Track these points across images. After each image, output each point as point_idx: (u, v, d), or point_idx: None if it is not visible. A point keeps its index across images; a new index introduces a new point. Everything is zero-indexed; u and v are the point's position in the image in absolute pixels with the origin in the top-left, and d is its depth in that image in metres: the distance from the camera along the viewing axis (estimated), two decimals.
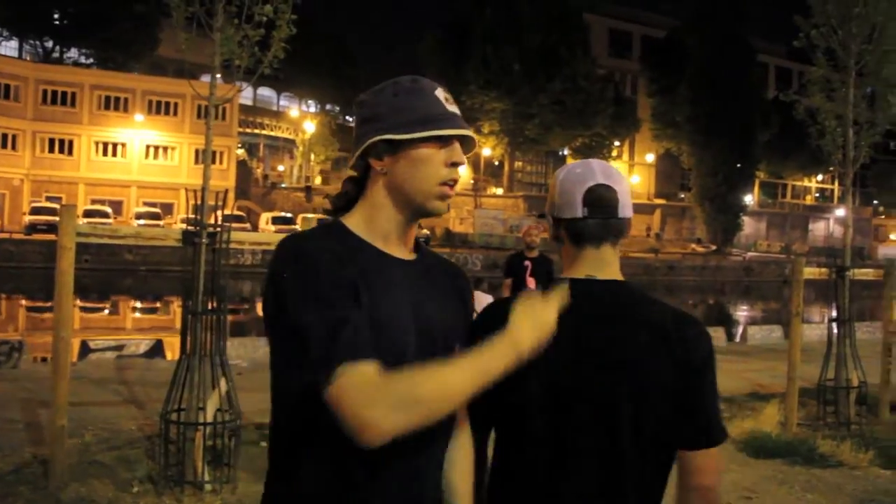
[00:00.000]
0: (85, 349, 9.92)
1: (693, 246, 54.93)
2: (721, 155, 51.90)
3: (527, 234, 7.54)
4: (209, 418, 4.54)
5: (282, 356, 1.34)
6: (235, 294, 22.44)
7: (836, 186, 68.00)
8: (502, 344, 1.32)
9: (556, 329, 1.36)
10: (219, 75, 4.85)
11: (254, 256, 27.50)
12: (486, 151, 52.75)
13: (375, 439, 1.19)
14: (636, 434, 1.45)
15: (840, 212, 62.44)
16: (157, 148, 43.85)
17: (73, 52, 48.25)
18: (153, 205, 40.90)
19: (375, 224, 1.42)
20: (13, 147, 40.92)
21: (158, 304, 24.16)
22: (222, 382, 4.61)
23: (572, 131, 49.99)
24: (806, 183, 72.54)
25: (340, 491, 1.33)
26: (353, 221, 1.43)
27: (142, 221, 35.92)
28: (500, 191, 54.35)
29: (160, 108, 43.70)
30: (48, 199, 37.99)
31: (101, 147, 42.96)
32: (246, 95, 51.85)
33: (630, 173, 63.41)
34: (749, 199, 59.55)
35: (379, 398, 1.19)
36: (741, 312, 30.34)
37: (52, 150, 41.93)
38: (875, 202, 77.38)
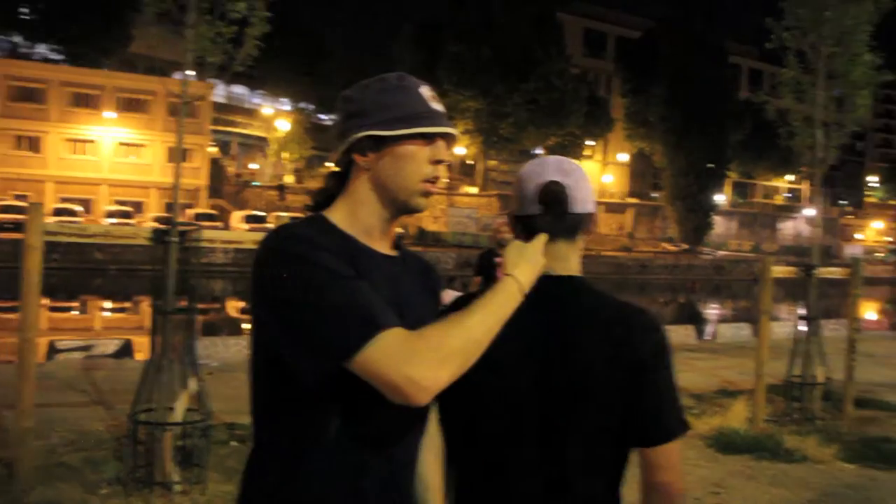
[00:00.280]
0: (53, 350, 9.79)
1: (664, 245, 55.44)
2: (693, 155, 52.42)
3: (497, 231, 7.55)
4: (179, 418, 4.50)
5: (295, 347, 1.31)
6: (207, 293, 22.24)
7: (805, 186, 68.98)
8: (506, 284, 1.39)
9: (503, 329, 1.36)
10: (191, 72, 4.81)
11: (226, 255, 27.25)
12: (460, 150, 52.72)
13: (423, 395, 1.24)
14: (585, 433, 1.44)
15: (809, 211, 63.41)
16: (128, 146, 43.21)
17: (42, 48, 47.41)
18: (124, 203, 40.32)
19: (358, 219, 1.43)
20: None
21: (128, 304, 23.85)
22: (192, 382, 4.57)
23: (546, 130, 50.07)
24: (776, 183, 73.50)
25: (336, 487, 1.35)
26: (336, 216, 1.43)
27: (113, 220, 35.44)
28: (474, 189, 54.36)
29: (131, 105, 43.02)
30: (16, 197, 37.30)
31: (70, 145, 42.23)
32: (219, 93, 51.30)
33: (603, 172, 63.78)
34: (721, 199, 60.19)
35: (420, 355, 1.23)
36: (712, 310, 30.69)
37: (19, 147, 41.12)
38: (842, 202, 78.80)
